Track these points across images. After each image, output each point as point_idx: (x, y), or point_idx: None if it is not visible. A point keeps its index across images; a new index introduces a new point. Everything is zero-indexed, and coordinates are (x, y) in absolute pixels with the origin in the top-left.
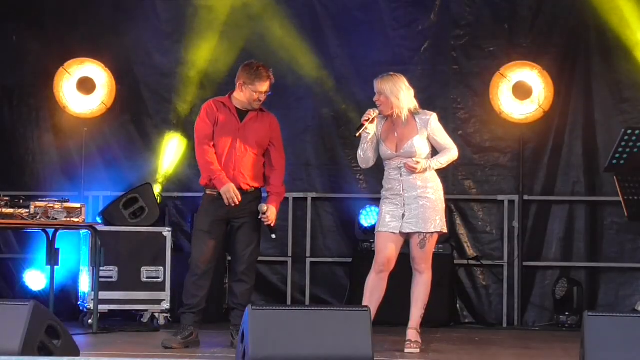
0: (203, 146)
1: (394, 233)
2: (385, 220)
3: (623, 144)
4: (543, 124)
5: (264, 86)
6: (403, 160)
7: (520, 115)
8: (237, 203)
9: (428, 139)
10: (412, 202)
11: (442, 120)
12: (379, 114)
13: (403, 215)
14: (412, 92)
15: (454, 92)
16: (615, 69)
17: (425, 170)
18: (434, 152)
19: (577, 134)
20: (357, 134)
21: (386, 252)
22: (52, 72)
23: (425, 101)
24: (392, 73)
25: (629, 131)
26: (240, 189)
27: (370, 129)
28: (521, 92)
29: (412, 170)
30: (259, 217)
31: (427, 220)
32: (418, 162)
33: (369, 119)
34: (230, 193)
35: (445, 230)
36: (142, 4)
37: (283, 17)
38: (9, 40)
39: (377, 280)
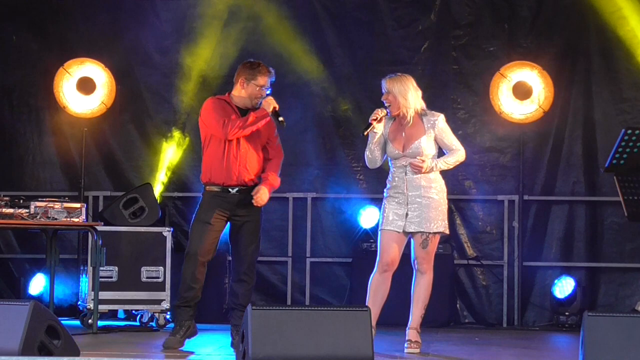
0: (227, 121)
1: (397, 232)
2: (388, 218)
3: (623, 144)
4: (543, 124)
5: (266, 79)
6: (409, 160)
7: (520, 115)
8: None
9: (435, 139)
10: (415, 202)
11: None
12: (387, 114)
13: (406, 214)
14: (419, 93)
15: (454, 92)
16: (615, 69)
17: (430, 169)
18: (441, 153)
19: (577, 134)
20: (365, 133)
21: (390, 252)
22: (52, 72)
23: (425, 101)
24: (400, 73)
25: (629, 131)
26: (245, 185)
27: (378, 129)
28: (521, 92)
29: (417, 170)
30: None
31: (430, 220)
32: (423, 161)
33: (376, 118)
34: (271, 101)
35: (447, 231)
36: (142, 4)
37: (283, 17)
38: (9, 40)
39: (380, 280)
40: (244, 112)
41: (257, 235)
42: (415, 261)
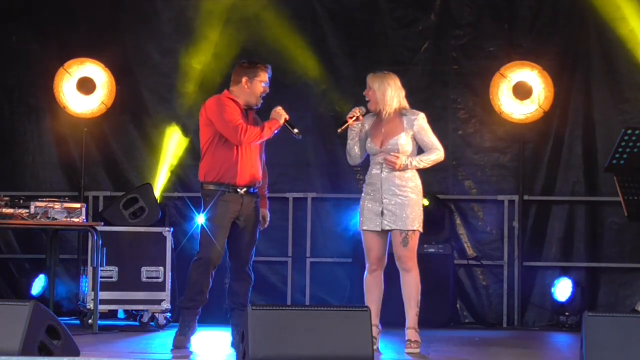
0: (244, 127)
1: (376, 231)
2: (366, 217)
3: (623, 144)
4: (543, 124)
5: (266, 75)
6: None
7: (520, 115)
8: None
9: (414, 138)
10: (390, 200)
11: (442, 120)
12: (365, 111)
13: (382, 212)
14: (402, 92)
15: (454, 92)
16: (615, 69)
17: (405, 166)
18: (420, 153)
19: (577, 134)
20: (339, 131)
21: (374, 251)
22: (52, 72)
23: (425, 101)
24: (386, 72)
25: (629, 131)
26: (255, 185)
27: (356, 127)
28: (521, 92)
29: (391, 165)
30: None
31: (406, 217)
32: (397, 157)
33: (353, 116)
34: (281, 112)
35: (421, 229)
36: (142, 4)
37: (283, 17)
38: (9, 40)
39: (371, 279)
40: (246, 111)
41: (256, 234)
42: (399, 260)
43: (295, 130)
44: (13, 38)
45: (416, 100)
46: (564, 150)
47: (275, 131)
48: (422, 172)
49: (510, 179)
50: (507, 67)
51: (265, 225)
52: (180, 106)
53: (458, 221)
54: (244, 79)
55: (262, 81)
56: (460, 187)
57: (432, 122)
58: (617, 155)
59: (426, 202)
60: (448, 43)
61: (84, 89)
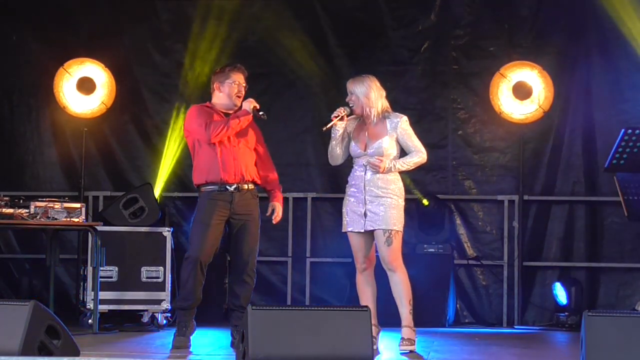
0: (209, 123)
1: (360, 232)
2: (350, 219)
3: (623, 144)
4: (543, 124)
5: (240, 75)
6: (369, 159)
7: (520, 115)
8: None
9: (397, 141)
10: (373, 201)
11: (442, 120)
12: (351, 113)
13: (365, 213)
14: (383, 92)
15: (454, 92)
16: (615, 69)
17: (389, 170)
18: (404, 155)
19: (577, 134)
20: (324, 129)
21: (361, 251)
22: (52, 72)
23: (425, 101)
24: (364, 75)
25: (629, 131)
26: (243, 181)
27: (339, 126)
28: (521, 92)
29: (375, 169)
30: (273, 221)
31: (389, 217)
32: (381, 160)
33: (338, 116)
34: (251, 101)
35: (401, 230)
36: (142, 4)
37: (283, 17)
38: (9, 40)
39: (362, 279)
40: (228, 116)
41: (258, 235)
42: (383, 261)
43: (261, 113)
44: (13, 38)
45: (416, 100)
46: (564, 150)
47: (244, 118)
48: (422, 173)
49: (510, 179)
50: (507, 67)
51: (278, 218)
52: (180, 106)
53: (458, 221)
54: (215, 85)
55: (233, 82)
56: (460, 187)
57: (432, 122)
58: (617, 155)
59: (426, 202)
60: (448, 43)
61: (84, 89)
